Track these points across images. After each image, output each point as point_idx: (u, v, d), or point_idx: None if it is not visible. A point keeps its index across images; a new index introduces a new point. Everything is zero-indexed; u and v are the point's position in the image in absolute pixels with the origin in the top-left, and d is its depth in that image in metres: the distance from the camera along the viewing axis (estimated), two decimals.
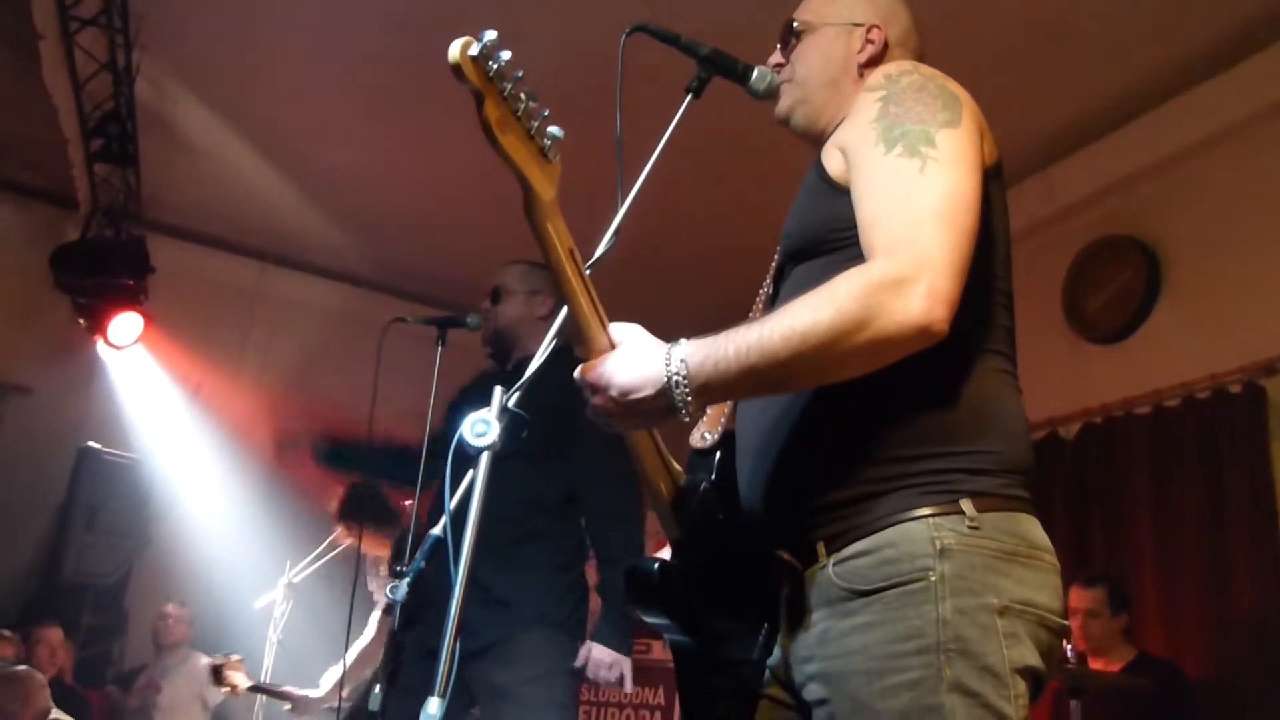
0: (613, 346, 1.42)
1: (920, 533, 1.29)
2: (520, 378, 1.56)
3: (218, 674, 3.97)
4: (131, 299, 5.48)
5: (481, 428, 1.65)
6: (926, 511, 1.31)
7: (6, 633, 4.32)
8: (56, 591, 5.27)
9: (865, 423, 1.37)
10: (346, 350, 5.78)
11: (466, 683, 2.45)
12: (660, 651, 5.43)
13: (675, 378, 1.33)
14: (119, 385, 5.84)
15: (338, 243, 6.26)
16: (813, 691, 1.36)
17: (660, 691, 5.46)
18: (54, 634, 4.66)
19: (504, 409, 1.67)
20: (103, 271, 5.44)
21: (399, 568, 2.55)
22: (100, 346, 5.65)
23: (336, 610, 3.48)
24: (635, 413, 1.38)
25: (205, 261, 6.23)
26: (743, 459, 1.54)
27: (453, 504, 1.75)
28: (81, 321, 5.58)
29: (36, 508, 5.66)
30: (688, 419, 1.37)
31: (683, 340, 1.36)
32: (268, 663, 4.19)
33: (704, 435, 1.68)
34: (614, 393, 1.37)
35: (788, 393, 1.42)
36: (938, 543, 1.28)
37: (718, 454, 1.65)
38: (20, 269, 5.70)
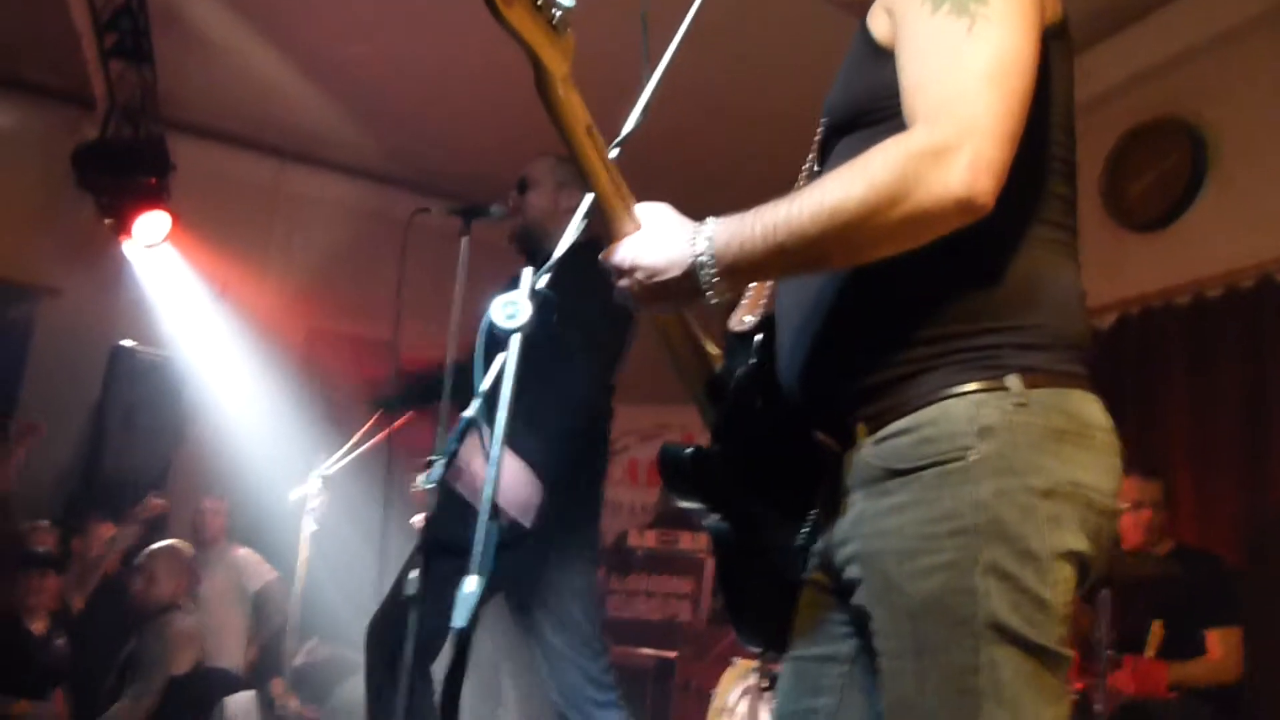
0: (638, 227, 1.39)
1: (961, 410, 1.25)
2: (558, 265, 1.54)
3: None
4: (155, 197, 5.47)
5: (511, 310, 1.64)
6: (970, 388, 1.26)
7: (45, 523, 4.45)
8: (98, 487, 5.40)
9: (906, 299, 1.32)
10: (370, 247, 5.80)
11: (499, 574, 2.51)
12: (689, 541, 5.54)
13: (701, 258, 1.30)
14: (148, 284, 5.88)
15: (357, 138, 6.19)
16: (850, 573, 1.34)
17: (689, 580, 5.57)
18: (105, 528, 4.79)
19: (533, 290, 1.67)
20: (124, 170, 5.42)
21: (430, 457, 2.59)
22: (127, 246, 5.67)
23: (370, 501, 3.54)
24: (662, 295, 1.35)
25: (225, 159, 6.20)
26: (782, 341, 1.50)
27: (484, 386, 1.77)
28: (107, 221, 5.59)
29: (74, 407, 5.78)
30: (716, 301, 1.34)
31: (710, 220, 1.32)
32: (304, 554, 4.28)
33: (743, 319, 1.65)
34: (640, 275, 1.35)
35: (819, 272, 1.38)
36: (979, 421, 1.24)
37: (757, 337, 1.62)
38: (42, 170, 5.71)
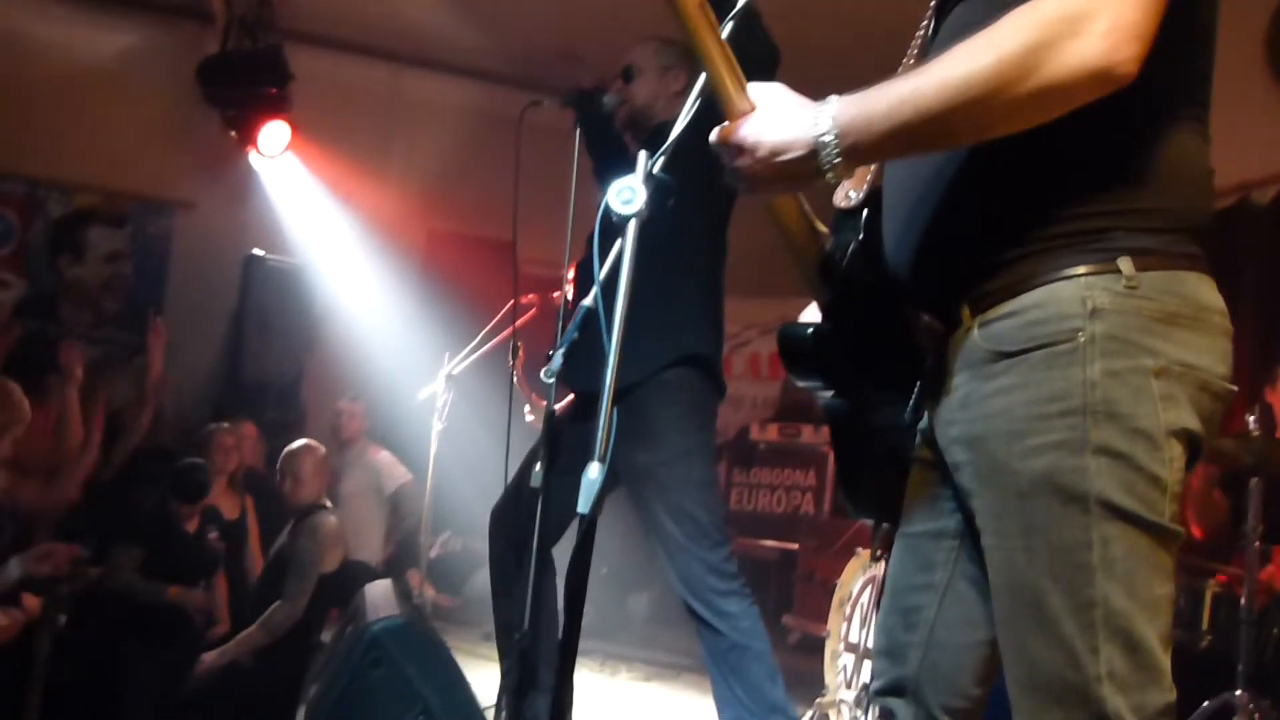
0: (752, 107, 1.34)
1: (1070, 292, 1.22)
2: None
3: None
4: (276, 107, 5.60)
5: (627, 194, 1.62)
6: (1079, 271, 1.22)
7: (225, 425, 4.67)
8: (240, 391, 5.68)
9: (1018, 178, 1.26)
10: (487, 148, 5.80)
11: (613, 463, 2.55)
12: (811, 435, 5.52)
13: (824, 137, 1.25)
14: (274, 194, 6.04)
15: (471, 39, 6.16)
16: (955, 455, 1.35)
17: (811, 473, 5.57)
18: (250, 429, 5.00)
19: (649, 174, 1.64)
20: (246, 81, 5.56)
21: (552, 352, 2.62)
22: (253, 157, 5.83)
23: (496, 398, 3.61)
24: (781, 175, 1.31)
25: (342, 67, 6.25)
26: (888, 218, 1.46)
27: (602, 274, 1.77)
28: (233, 134, 5.75)
29: (213, 315, 6.06)
30: (835, 181, 1.30)
31: (832, 98, 1.27)
32: (434, 449, 4.43)
33: (849, 194, 1.59)
34: (762, 154, 1.30)
35: (945, 149, 1.31)
36: (1089, 302, 1.21)
37: (864, 213, 1.57)
38: (170, 87, 5.86)
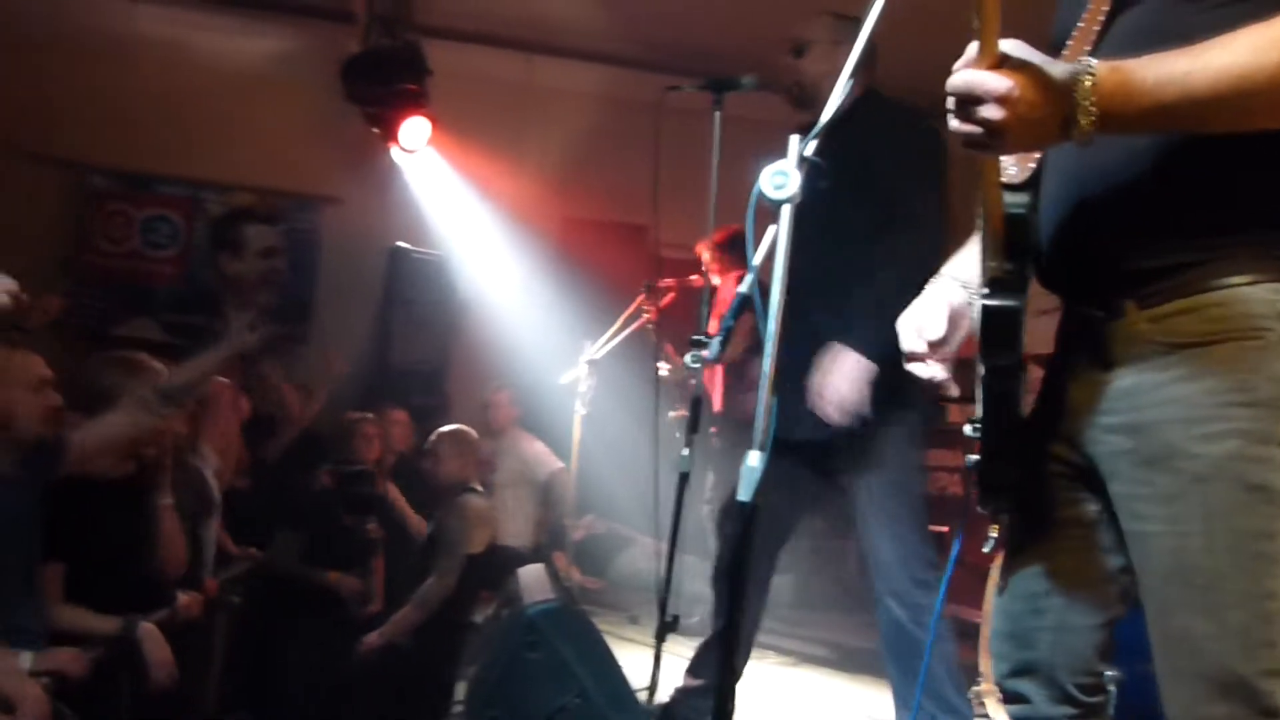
0: (1008, 59, 1.25)
1: (1259, 295, 1.25)
2: (836, 132, 1.47)
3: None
4: (416, 103, 5.74)
5: (780, 179, 1.61)
6: (1266, 276, 1.25)
7: (369, 415, 4.86)
8: (388, 378, 5.89)
9: (1201, 177, 1.25)
10: (622, 133, 5.83)
11: (829, 448, 2.49)
12: (956, 414, 5.36)
13: (1084, 100, 1.20)
14: (416, 188, 6.22)
15: (604, 25, 6.19)
16: (1109, 443, 1.36)
17: (958, 453, 5.41)
18: (401, 415, 5.17)
19: (802, 157, 1.62)
20: (386, 79, 5.70)
21: (696, 337, 2.61)
22: (394, 152, 6.01)
23: (640, 382, 3.65)
24: (1029, 131, 1.24)
25: (477, 59, 6.36)
26: (1051, 205, 1.42)
27: (756, 259, 1.76)
28: (375, 130, 5.93)
29: (361, 305, 6.28)
30: (1081, 143, 1.24)
31: (1091, 60, 1.23)
32: (577, 434, 4.50)
33: (1009, 169, 1.53)
34: (1019, 107, 1.22)
35: (1190, 131, 1.27)
36: (1278, 306, 1.24)
37: (1028, 192, 1.50)
38: (315, 88, 6.06)
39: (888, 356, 2.64)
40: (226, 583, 3.62)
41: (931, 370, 1.59)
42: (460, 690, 3.66)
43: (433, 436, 4.37)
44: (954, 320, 1.58)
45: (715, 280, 4.30)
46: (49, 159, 5.68)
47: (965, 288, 1.60)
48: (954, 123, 1.26)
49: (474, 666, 3.14)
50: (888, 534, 2.62)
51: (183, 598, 3.10)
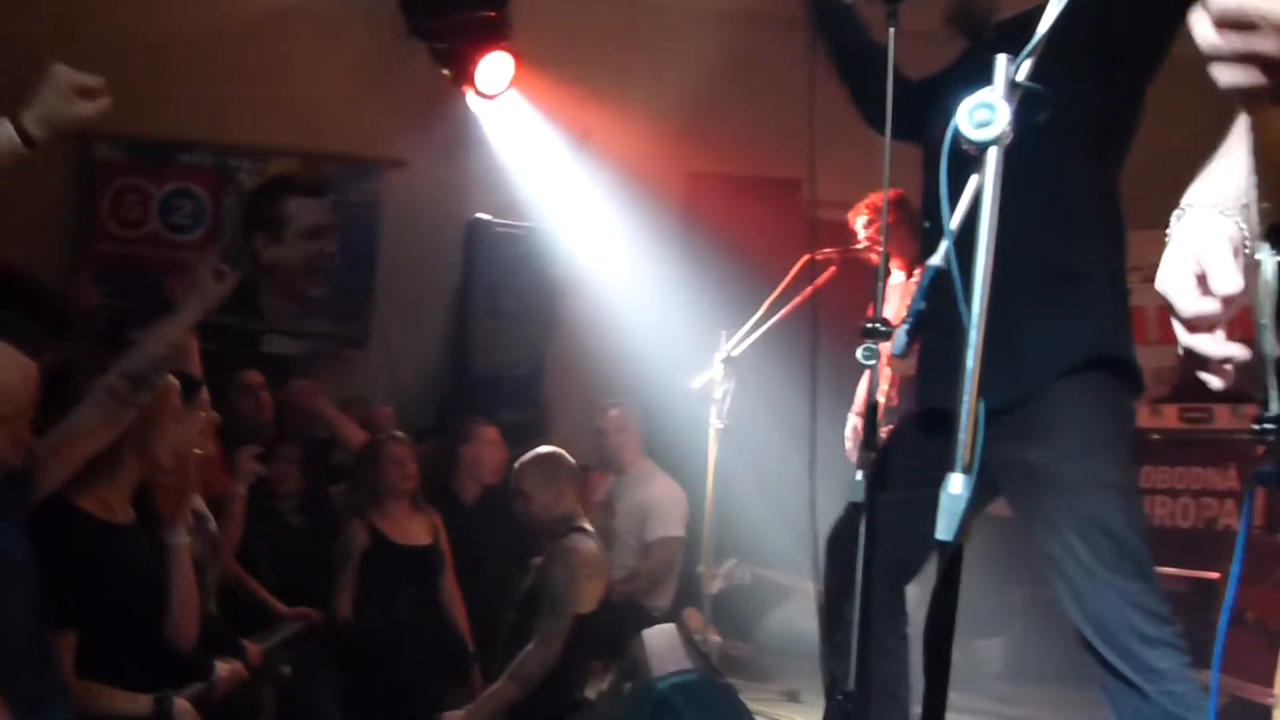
0: None
1: None
2: (1016, 42, 1.44)
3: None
4: (495, 35, 5.84)
5: (984, 114, 1.57)
6: None
7: (398, 434, 4.95)
8: (469, 387, 6.01)
9: None
10: (761, 63, 5.79)
11: (984, 464, 2.48)
12: (1228, 418, 5.17)
13: None
14: (498, 143, 6.33)
15: None
16: None
17: (1231, 471, 5.22)
18: (491, 432, 5.21)
19: (1012, 84, 1.59)
20: (458, 6, 5.81)
21: (869, 323, 2.58)
22: (471, 99, 6.11)
23: (792, 385, 3.61)
24: None
25: None
26: None
27: (954, 223, 1.73)
28: (445, 72, 6.04)
29: (434, 293, 6.43)
30: None
31: None
32: (713, 454, 4.49)
33: None
34: None
35: None
36: None
37: None
38: (369, 23, 6.21)
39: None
40: (274, 649, 3.74)
41: (1227, 347, 1.52)
42: None
43: (515, 467, 4.41)
44: (1243, 266, 1.50)
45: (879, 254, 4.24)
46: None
47: (1237, 225, 1.53)
48: (1223, 72, 1.20)
49: None
50: (1094, 576, 2.54)
51: (221, 668, 3.21)
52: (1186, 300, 1.49)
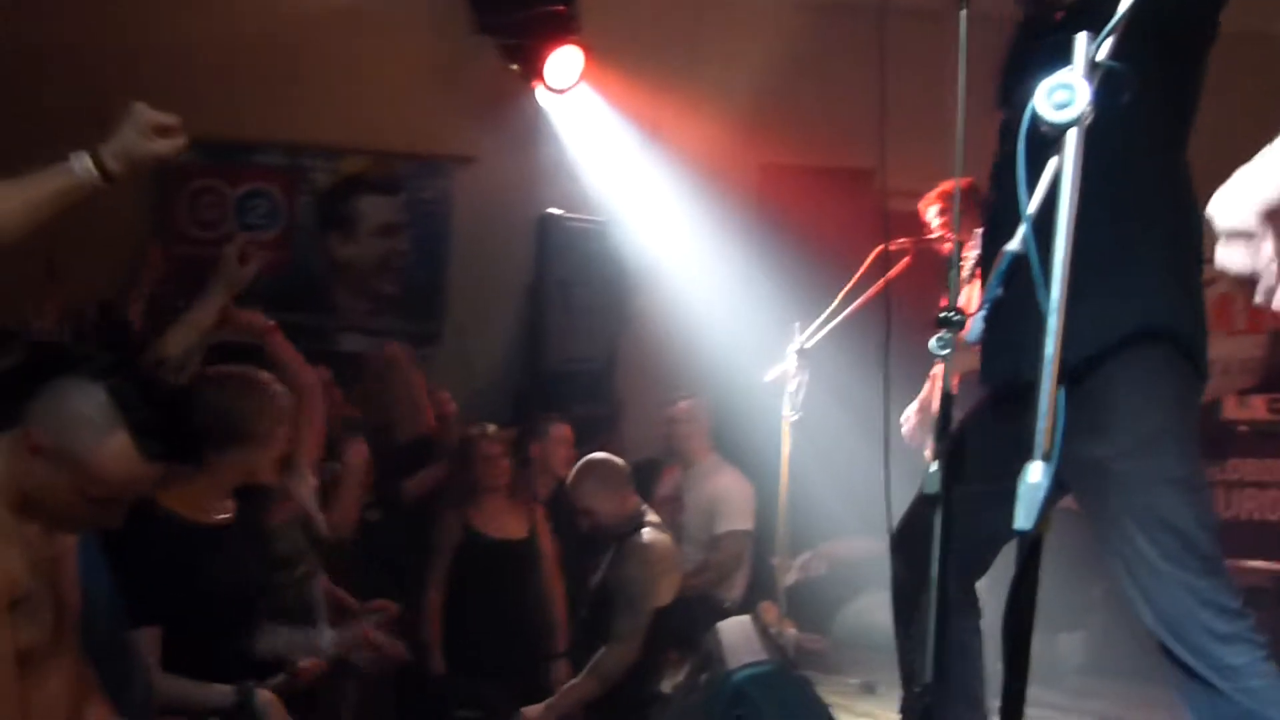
0: None
1: None
2: (1088, 19, 1.42)
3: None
4: (565, 29, 5.85)
5: (1063, 95, 1.55)
6: None
7: (492, 428, 4.97)
8: (544, 381, 6.04)
9: None
10: (834, 50, 5.75)
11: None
12: None
13: None
14: (568, 138, 6.35)
15: None
16: None
17: None
18: (565, 430, 5.25)
19: (1092, 63, 1.56)
20: (526, 0, 5.83)
21: (944, 313, 2.55)
22: (540, 94, 6.14)
23: (866, 378, 3.58)
24: None
25: None
26: None
27: (1032, 207, 1.70)
28: (515, 68, 6.07)
29: (506, 289, 6.46)
30: None
31: None
32: (786, 447, 4.48)
33: None
34: None
35: None
36: None
37: None
38: (438, 19, 6.24)
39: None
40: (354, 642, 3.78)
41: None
42: None
43: (569, 485, 4.42)
44: None
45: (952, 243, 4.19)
46: None
47: None
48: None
49: None
50: (1158, 572, 2.48)
51: (302, 660, 3.26)
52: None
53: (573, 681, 4.08)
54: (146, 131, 2.34)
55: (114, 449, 2.07)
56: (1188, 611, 2.42)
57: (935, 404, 3.13)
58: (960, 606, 2.76)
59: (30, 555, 2.04)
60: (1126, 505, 2.50)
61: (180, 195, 6.46)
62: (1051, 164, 1.60)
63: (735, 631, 3.17)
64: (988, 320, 1.78)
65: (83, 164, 2.25)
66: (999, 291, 1.75)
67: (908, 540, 2.79)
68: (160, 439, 2.11)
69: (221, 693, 2.92)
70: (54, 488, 2.05)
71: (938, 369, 3.99)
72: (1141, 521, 2.47)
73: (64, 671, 2.18)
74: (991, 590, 2.82)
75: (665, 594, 4.23)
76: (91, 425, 2.05)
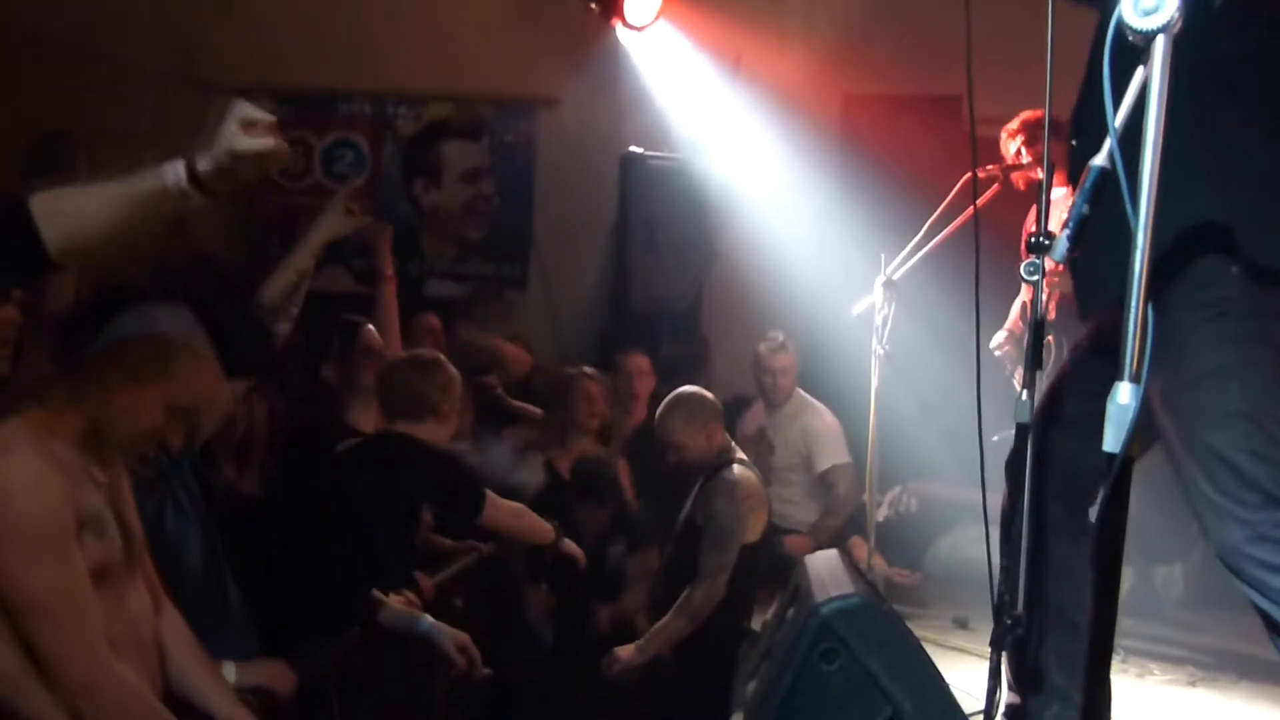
0: None
1: None
2: None
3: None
4: None
5: (1150, 1, 1.50)
6: None
7: (590, 370, 4.99)
8: (629, 321, 6.05)
9: None
10: None
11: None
12: None
13: None
14: (649, 76, 6.32)
15: None
16: None
17: None
18: (640, 361, 5.30)
19: None
20: None
21: (1034, 237, 2.49)
22: (620, 33, 6.12)
23: (956, 307, 3.53)
24: None
25: None
26: None
27: (1118, 120, 1.65)
28: (593, 6, 6.05)
29: (590, 231, 6.51)
30: None
31: None
32: (875, 381, 4.44)
33: None
34: None
35: None
36: None
37: None
38: None
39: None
40: (445, 583, 3.84)
41: None
42: (737, 714, 3.73)
43: (657, 420, 4.40)
44: None
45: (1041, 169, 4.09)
46: (217, 86, 6.00)
47: None
48: None
49: (752, 683, 3.18)
50: (1213, 505, 2.42)
51: (395, 601, 3.31)
52: None
53: (662, 621, 4.08)
54: (245, 128, 1.96)
55: (198, 363, 2.13)
56: (1236, 545, 2.38)
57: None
58: (1067, 532, 2.72)
59: (92, 479, 2.09)
60: (1186, 436, 2.46)
61: None
62: (1138, 74, 1.54)
63: (823, 565, 3.13)
64: (1072, 240, 1.72)
65: (174, 171, 1.84)
66: (1085, 209, 1.70)
67: (1017, 468, 2.76)
68: (242, 355, 2.18)
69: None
70: (135, 404, 2.09)
71: (1027, 294, 3.92)
72: (1197, 454, 2.43)
73: (140, 594, 2.23)
74: None
75: (753, 531, 4.22)
76: (176, 339, 2.10)
